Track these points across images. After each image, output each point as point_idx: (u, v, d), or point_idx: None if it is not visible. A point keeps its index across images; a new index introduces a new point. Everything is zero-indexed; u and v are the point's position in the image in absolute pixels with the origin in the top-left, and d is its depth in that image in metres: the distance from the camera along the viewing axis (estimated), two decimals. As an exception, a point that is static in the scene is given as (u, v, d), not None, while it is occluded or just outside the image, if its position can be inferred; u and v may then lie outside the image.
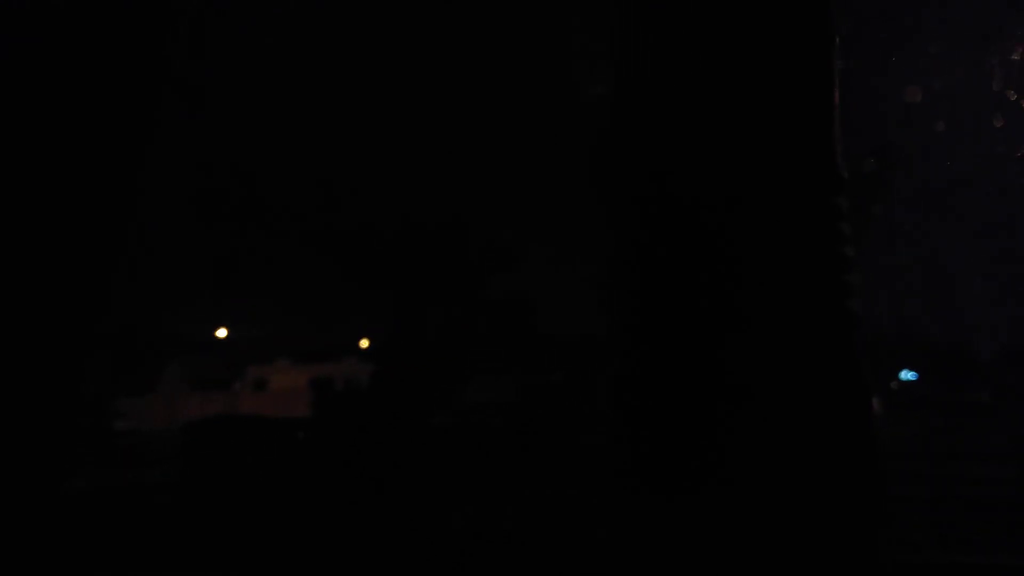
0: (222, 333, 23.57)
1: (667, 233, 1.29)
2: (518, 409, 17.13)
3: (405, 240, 19.40)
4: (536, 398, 17.68)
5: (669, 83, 1.39)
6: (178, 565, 4.89)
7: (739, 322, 1.26)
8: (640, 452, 1.31)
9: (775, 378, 1.26)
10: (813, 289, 1.29)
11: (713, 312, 1.26)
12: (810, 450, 1.24)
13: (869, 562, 1.25)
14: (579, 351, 19.41)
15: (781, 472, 1.22)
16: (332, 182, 17.76)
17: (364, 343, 23.69)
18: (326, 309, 21.20)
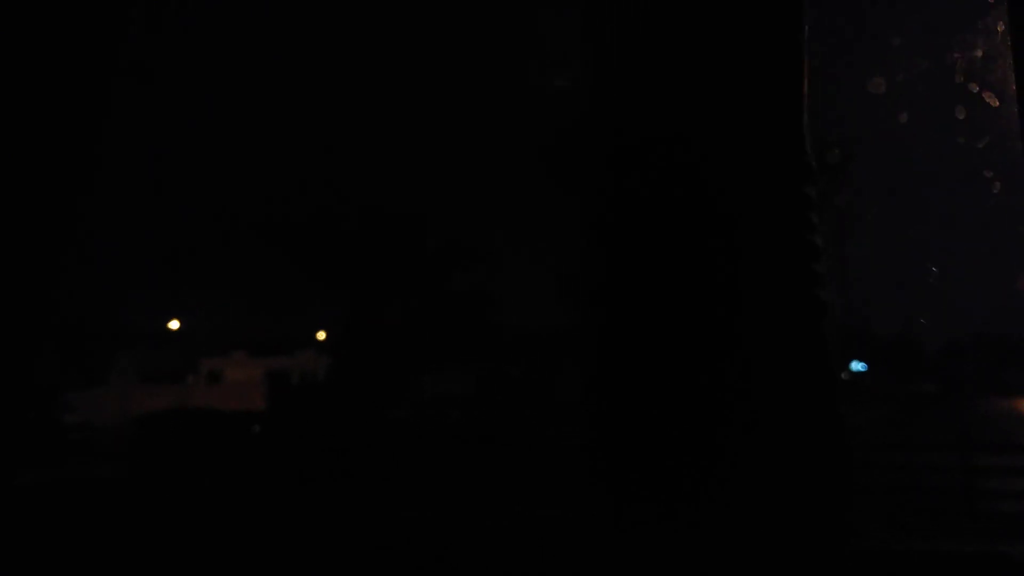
0: (175, 325, 23.17)
1: (638, 221, 1.31)
2: (476, 402, 17.14)
3: (363, 232, 19.26)
4: (494, 391, 17.72)
5: (642, 73, 1.41)
6: (134, 561, 4.81)
7: (709, 312, 1.28)
8: (612, 453, 1.33)
9: (745, 367, 1.29)
10: (783, 278, 1.32)
11: (684, 302, 1.29)
12: (781, 438, 1.27)
13: (839, 548, 1.29)
14: (537, 344, 19.48)
15: (754, 462, 1.24)
16: (289, 172, 17.55)
17: (321, 335, 23.50)
18: (282, 301, 20.97)
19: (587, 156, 1.37)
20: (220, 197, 18.76)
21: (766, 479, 1.28)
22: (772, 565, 1.26)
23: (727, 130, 1.33)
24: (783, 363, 1.32)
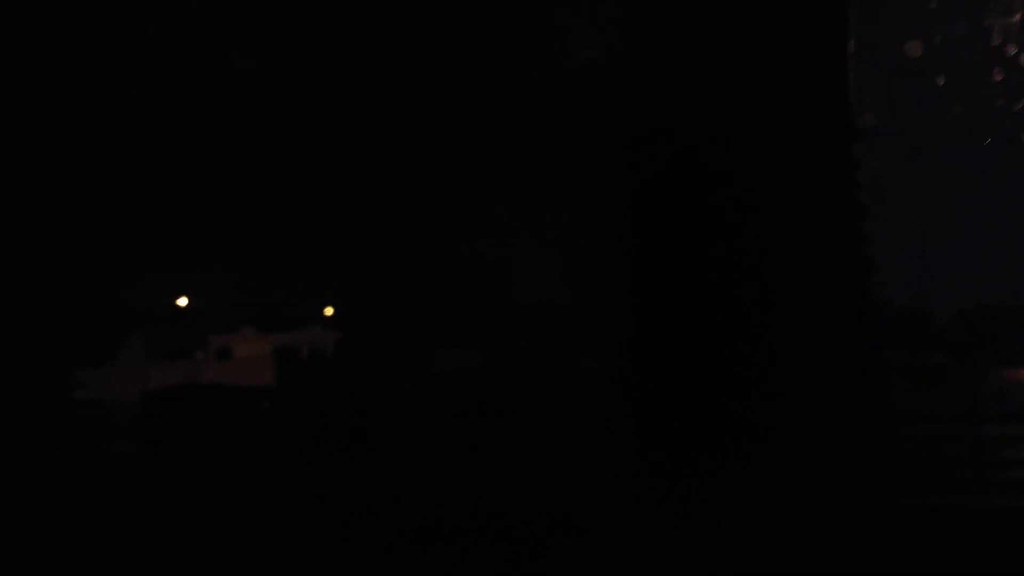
0: (183, 302, 23.20)
1: (687, 184, 1.28)
2: (485, 376, 17.16)
3: (371, 208, 19.20)
4: (502, 365, 17.73)
5: (683, 39, 1.37)
6: (149, 536, 4.82)
7: (757, 271, 1.26)
8: (653, 424, 1.32)
9: (792, 326, 1.26)
10: (830, 236, 1.30)
11: (731, 263, 1.26)
12: (828, 392, 1.26)
13: (883, 505, 1.28)
14: (543, 318, 19.47)
15: (800, 416, 1.23)
16: (296, 150, 17.46)
17: (329, 311, 23.52)
18: (290, 277, 20.96)
19: (629, 126, 1.34)
20: (226, 175, 18.69)
21: (813, 433, 1.27)
22: (819, 523, 1.25)
23: (775, 90, 1.30)
24: (831, 321, 1.30)
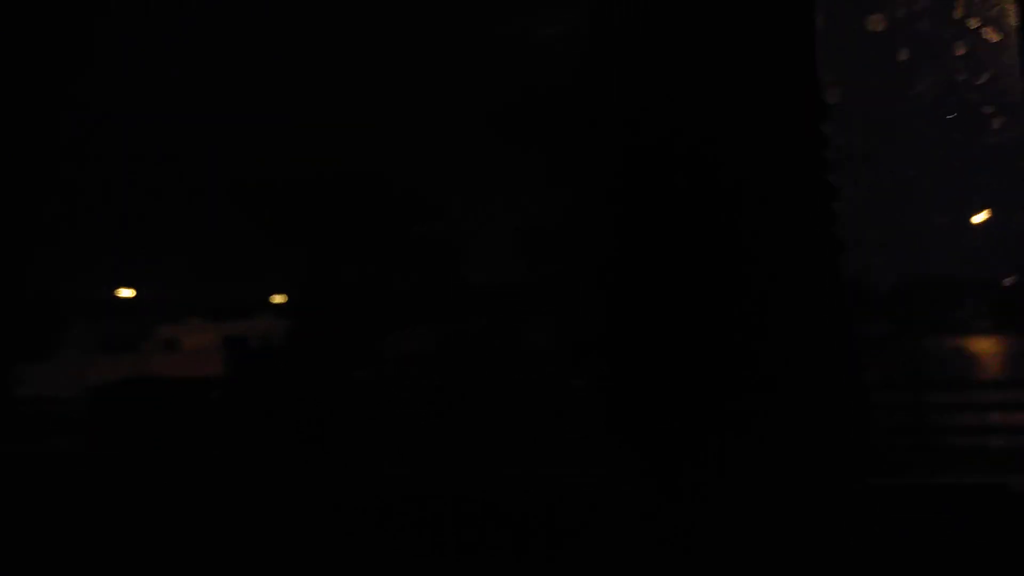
0: (128, 293, 22.64)
1: (654, 167, 1.26)
2: (440, 358, 17.10)
3: (317, 191, 18.91)
4: (457, 346, 17.69)
5: (649, 14, 1.35)
6: (95, 534, 4.70)
7: (730, 251, 1.25)
8: (632, 403, 1.31)
9: (765, 305, 1.26)
10: (800, 217, 1.29)
11: (703, 244, 1.25)
12: (801, 373, 1.26)
13: (858, 482, 1.28)
14: (497, 297, 19.45)
15: (774, 396, 1.23)
16: (238, 132, 17.09)
17: (278, 298, 23.17)
18: (237, 264, 20.57)
19: (597, 106, 1.32)
20: (167, 160, 18.22)
21: (788, 414, 1.27)
22: (796, 500, 1.26)
23: (740, 71, 1.29)
24: (803, 302, 1.30)
